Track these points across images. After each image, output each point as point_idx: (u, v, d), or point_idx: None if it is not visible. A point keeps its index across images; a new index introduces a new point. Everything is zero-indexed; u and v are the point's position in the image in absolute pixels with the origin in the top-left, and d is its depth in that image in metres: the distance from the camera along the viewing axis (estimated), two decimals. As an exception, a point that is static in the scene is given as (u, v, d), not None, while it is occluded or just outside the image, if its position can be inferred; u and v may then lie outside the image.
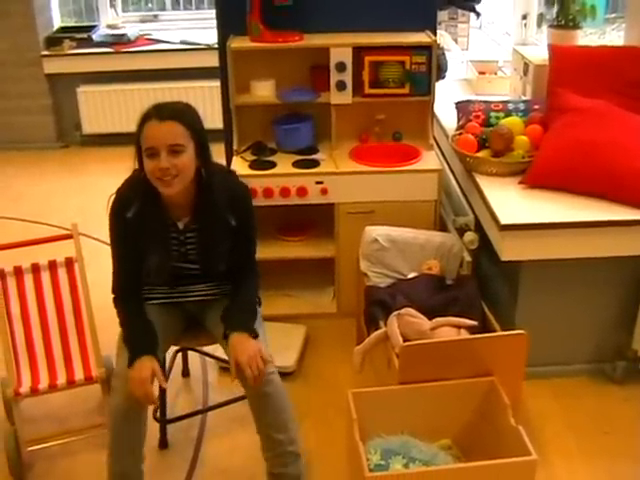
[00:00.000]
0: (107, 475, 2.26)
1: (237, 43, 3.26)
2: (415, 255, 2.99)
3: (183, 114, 2.19)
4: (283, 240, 3.50)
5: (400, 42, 3.25)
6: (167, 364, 2.70)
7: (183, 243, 2.35)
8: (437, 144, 3.64)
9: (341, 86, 3.27)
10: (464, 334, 2.53)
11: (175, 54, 5.44)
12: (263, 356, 2.19)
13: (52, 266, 2.80)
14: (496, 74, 4.34)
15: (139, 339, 2.27)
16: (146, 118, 2.16)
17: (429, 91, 3.31)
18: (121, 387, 2.19)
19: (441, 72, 3.75)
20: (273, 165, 3.29)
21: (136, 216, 2.26)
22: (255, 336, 2.26)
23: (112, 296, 2.38)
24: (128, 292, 2.37)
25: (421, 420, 2.35)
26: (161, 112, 2.16)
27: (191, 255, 2.37)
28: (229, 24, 3.34)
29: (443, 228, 3.30)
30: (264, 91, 3.37)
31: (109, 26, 5.78)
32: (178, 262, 2.37)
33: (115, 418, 2.20)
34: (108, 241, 2.35)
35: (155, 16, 6.11)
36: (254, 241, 2.47)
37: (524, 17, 4.55)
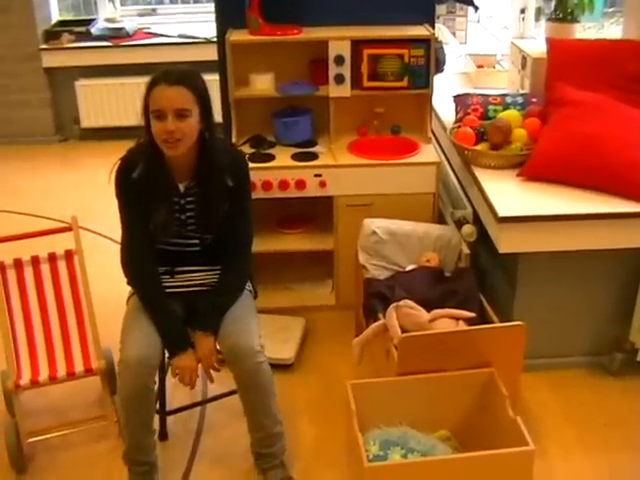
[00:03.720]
0: (124, 448, 2.40)
1: (236, 36, 3.26)
2: (413, 248, 3.01)
3: (190, 79, 2.27)
4: (282, 233, 3.50)
5: (398, 35, 3.26)
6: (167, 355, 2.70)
7: (183, 209, 2.39)
8: (435, 137, 3.65)
9: (339, 79, 3.27)
10: (462, 326, 2.54)
11: (173, 47, 5.42)
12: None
13: (52, 258, 2.81)
14: (494, 67, 4.35)
15: (176, 327, 2.38)
16: (155, 81, 2.24)
17: (427, 84, 3.32)
18: (133, 369, 2.26)
19: (440, 65, 3.75)
20: (272, 158, 3.30)
21: (141, 176, 2.33)
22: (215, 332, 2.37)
23: (122, 267, 2.42)
24: (140, 257, 2.40)
25: (420, 411, 2.36)
26: (170, 77, 2.23)
27: (190, 225, 2.40)
28: (228, 17, 3.33)
29: (441, 221, 3.31)
30: (263, 84, 3.37)
31: (107, 20, 5.76)
32: (178, 237, 2.41)
33: (127, 397, 2.30)
34: (107, 234, 2.35)
35: (153, 10, 6.12)
36: (249, 212, 2.49)
37: (522, 11, 4.56)
